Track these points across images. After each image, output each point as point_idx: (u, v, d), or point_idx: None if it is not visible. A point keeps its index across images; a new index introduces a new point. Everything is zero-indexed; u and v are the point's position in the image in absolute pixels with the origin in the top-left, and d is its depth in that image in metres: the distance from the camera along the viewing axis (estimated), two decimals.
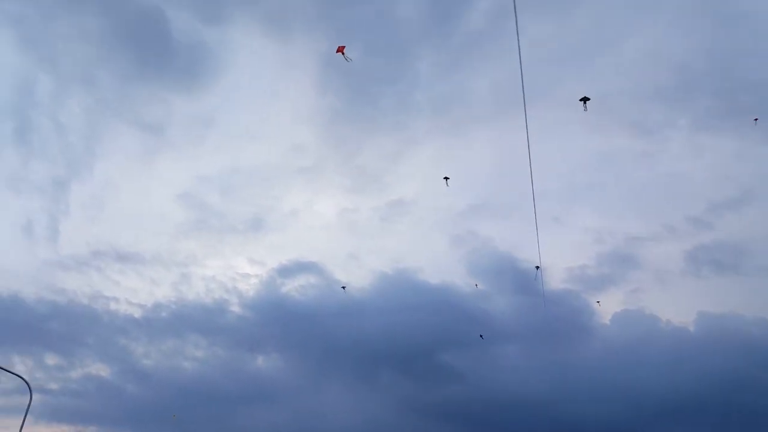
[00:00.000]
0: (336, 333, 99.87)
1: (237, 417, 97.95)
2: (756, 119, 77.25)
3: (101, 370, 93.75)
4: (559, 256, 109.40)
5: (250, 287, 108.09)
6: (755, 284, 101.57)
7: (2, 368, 26.21)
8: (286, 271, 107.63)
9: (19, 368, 79.26)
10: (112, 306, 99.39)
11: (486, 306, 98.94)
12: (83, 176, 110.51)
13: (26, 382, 26.04)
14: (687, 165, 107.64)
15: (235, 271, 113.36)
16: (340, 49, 41.72)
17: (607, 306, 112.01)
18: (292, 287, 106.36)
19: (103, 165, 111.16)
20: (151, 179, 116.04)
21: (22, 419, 25.01)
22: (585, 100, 46.73)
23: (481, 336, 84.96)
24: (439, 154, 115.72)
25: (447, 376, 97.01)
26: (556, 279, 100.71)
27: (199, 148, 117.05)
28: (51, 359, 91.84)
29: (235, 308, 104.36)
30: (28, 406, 25.69)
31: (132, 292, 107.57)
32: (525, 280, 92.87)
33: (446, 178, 56.00)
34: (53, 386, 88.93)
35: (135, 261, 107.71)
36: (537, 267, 62.42)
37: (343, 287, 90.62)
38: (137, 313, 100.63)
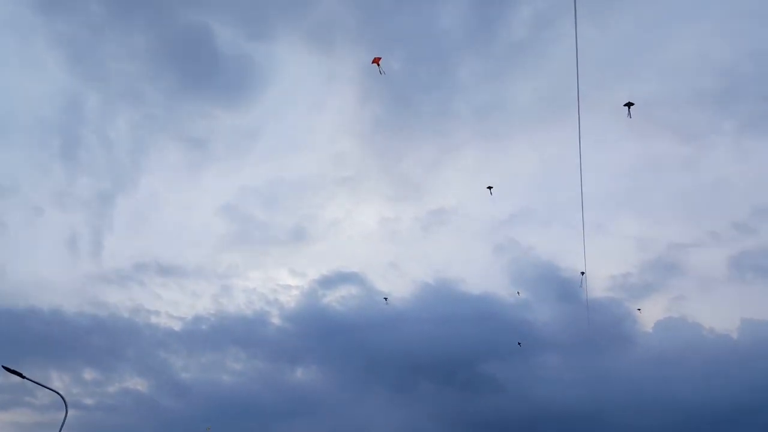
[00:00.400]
0: (377, 344, 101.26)
1: (275, 430, 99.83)
2: None
3: (138, 384, 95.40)
4: (602, 263, 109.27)
5: (291, 299, 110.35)
6: None
7: (38, 383, 25.96)
8: (327, 281, 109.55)
9: (55, 384, 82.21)
10: (153, 319, 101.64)
11: (528, 315, 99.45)
12: (128, 190, 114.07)
13: (62, 396, 25.84)
14: (731, 170, 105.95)
15: (276, 282, 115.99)
16: (376, 61, 42.56)
17: (650, 314, 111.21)
18: (333, 298, 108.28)
19: (147, 179, 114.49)
20: (194, 192, 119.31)
21: None
22: (629, 105, 46.80)
23: (519, 343, 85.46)
24: (479, 162, 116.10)
25: (488, 386, 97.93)
26: (598, 287, 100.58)
27: (242, 160, 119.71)
28: (89, 374, 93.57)
29: (276, 320, 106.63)
30: (63, 421, 25.56)
31: (173, 305, 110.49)
32: (567, 289, 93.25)
33: (490, 188, 54.98)
34: (89, 401, 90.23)
35: (177, 274, 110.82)
36: (582, 273, 62.27)
37: (386, 299, 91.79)
38: (177, 326, 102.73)
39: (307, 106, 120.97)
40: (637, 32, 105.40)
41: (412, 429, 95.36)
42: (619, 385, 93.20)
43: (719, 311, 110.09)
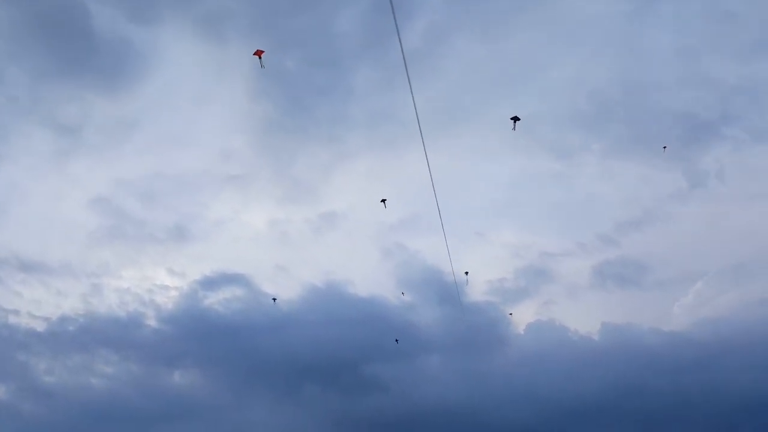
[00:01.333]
0: (261, 347, 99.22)
1: None
2: (665, 147, 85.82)
3: None
4: (481, 269, 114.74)
5: (168, 300, 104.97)
6: (652, 297, 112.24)
7: None
8: (210, 283, 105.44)
9: None
10: (12, 319, 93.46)
11: (412, 317, 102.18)
12: None
13: None
14: (598, 187, 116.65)
15: (152, 282, 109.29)
16: (258, 53, 42.39)
17: (522, 317, 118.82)
18: (216, 300, 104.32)
19: (8, 167, 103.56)
20: (62, 183, 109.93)
21: None
22: (515, 119, 49.28)
23: (396, 341, 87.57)
24: (372, 169, 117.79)
25: (372, 387, 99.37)
26: (477, 291, 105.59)
27: (118, 151, 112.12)
28: None
29: (152, 322, 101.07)
30: None
31: (35, 304, 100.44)
32: (450, 292, 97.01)
33: (383, 201, 56.71)
34: None
35: (40, 270, 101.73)
36: (466, 273, 65.32)
37: (274, 299, 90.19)
38: (40, 327, 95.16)
39: (194, 98, 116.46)
40: (522, 54, 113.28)
41: (297, 430, 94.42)
42: (495, 383, 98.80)
43: (583, 315, 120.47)
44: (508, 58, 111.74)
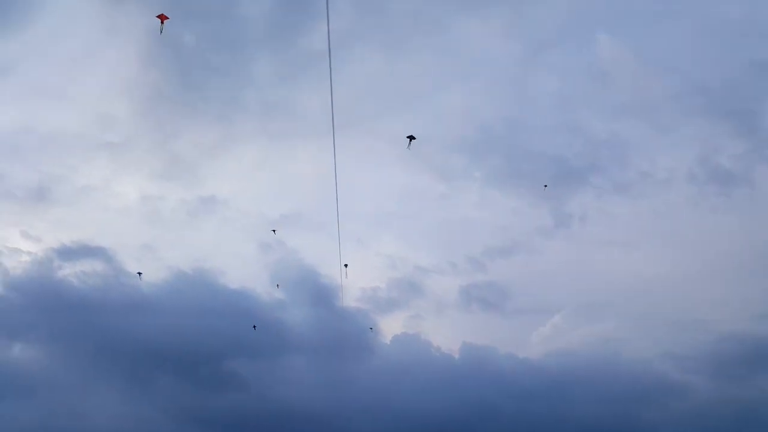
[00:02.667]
0: (117, 329, 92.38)
1: None
2: (546, 186, 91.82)
3: None
4: (357, 275, 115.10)
5: (19, 265, 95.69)
6: (512, 324, 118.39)
7: None
8: (68, 252, 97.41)
9: None
10: None
11: (283, 315, 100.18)
12: None
13: None
14: (474, 212, 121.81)
15: (3, 243, 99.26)
16: (162, 17, 40.83)
17: (389, 327, 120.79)
18: (72, 272, 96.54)
19: None
20: None
21: None
22: (411, 138, 49.22)
23: (254, 327, 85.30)
24: (261, 159, 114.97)
25: (232, 384, 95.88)
26: (350, 297, 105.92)
27: None
28: None
29: None
30: None
31: None
32: (323, 295, 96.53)
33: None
34: None
35: None
36: (345, 265, 64.54)
37: (139, 273, 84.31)
38: None
39: (78, 53, 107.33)
40: (419, 74, 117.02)
41: (145, 421, 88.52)
42: (356, 391, 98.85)
43: (447, 333, 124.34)
44: (404, 77, 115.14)
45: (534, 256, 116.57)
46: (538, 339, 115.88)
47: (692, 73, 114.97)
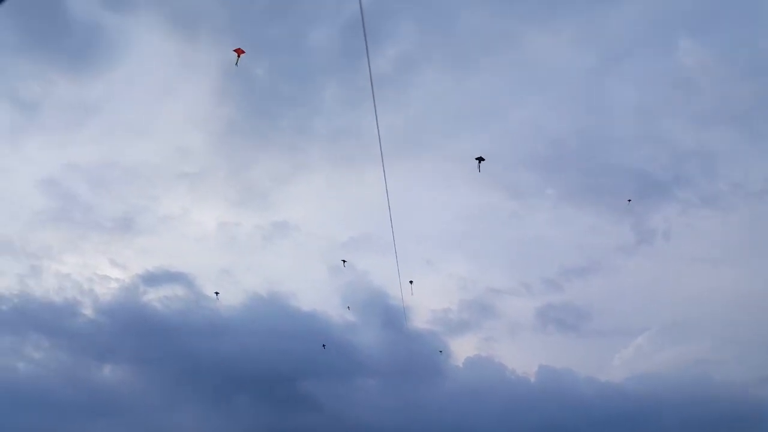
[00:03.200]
0: (197, 351, 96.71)
1: (74, 427, 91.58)
2: (629, 200, 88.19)
3: None
4: (427, 297, 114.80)
5: (108, 291, 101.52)
6: (591, 346, 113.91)
7: None
8: (152, 278, 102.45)
9: None
10: None
11: (353, 338, 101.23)
12: None
13: None
14: (549, 231, 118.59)
15: (93, 271, 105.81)
16: (238, 51, 42.33)
17: (462, 350, 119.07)
18: (156, 297, 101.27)
19: None
20: (12, 160, 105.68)
21: None
22: (480, 159, 48.54)
23: (323, 346, 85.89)
24: (329, 184, 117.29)
25: (306, 405, 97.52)
26: (420, 319, 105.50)
27: (74, 134, 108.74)
28: None
29: (88, 311, 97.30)
30: None
31: None
32: (393, 317, 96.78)
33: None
34: None
35: None
36: (411, 281, 63.69)
37: (216, 293, 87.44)
38: None
39: (157, 90, 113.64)
40: (487, 92, 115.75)
41: None
42: (429, 413, 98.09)
43: (522, 356, 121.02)
44: (473, 95, 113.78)
45: (614, 275, 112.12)
46: (620, 362, 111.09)
47: None
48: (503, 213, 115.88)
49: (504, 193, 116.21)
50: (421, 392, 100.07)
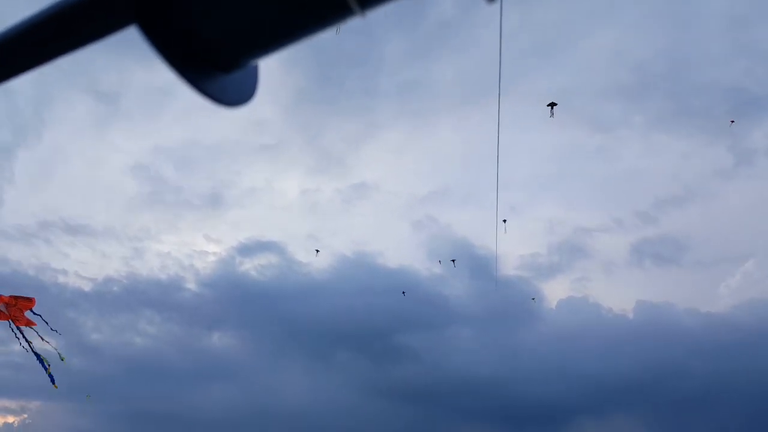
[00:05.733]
0: (294, 313, 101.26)
1: (191, 393, 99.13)
2: (732, 121, 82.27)
3: (46, 343, 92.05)
4: (514, 244, 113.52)
5: (207, 265, 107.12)
6: (691, 277, 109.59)
7: None
8: (245, 249, 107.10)
9: None
10: (61, 279, 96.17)
11: (443, 290, 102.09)
12: (31, 143, 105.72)
13: None
14: (639, 162, 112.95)
15: (191, 248, 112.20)
16: None
17: (554, 293, 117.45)
18: (251, 266, 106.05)
19: (52, 132, 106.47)
20: (102, 149, 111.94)
21: None
22: (552, 105, 46.75)
23: (403, 293, 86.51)
24: (402, 140, 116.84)
25: (403, 357, 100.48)
26: (509, 266, 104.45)
27: (156, 119, 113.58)
28: None
29: (191, 285, 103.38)
30: None
31: (82, 265, 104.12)
32: (481, 266, 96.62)
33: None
34: None
35: (85, 233, 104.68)
36: (504, 220, 61.78)
37: (317, 250, 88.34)
38: (87, 287, 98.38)
39: None
40: (559, 23, 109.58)
41: (329, 396, 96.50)
42: (525, 358, 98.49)
43: (618, 293, 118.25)
44: (545, 27, 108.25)
45: (713, 201, 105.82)
46: (726, 291, 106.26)
47: None
48: (589, 149, 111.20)
49: (587, 127, 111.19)
50: (516, 337, 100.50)
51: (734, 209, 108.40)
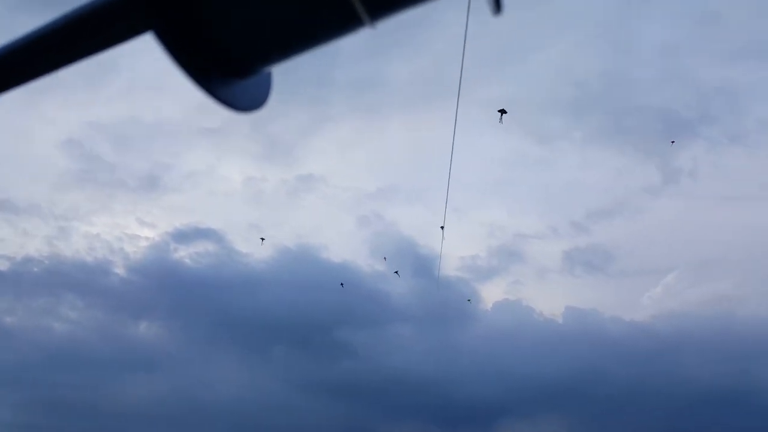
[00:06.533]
0: (231, 305, 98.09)
1: (114, 384, 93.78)
2: (673, 142, 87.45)
3: None
4: (455, 245, 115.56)
5: (138, 250, 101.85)
6: (617, 286, 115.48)
7: None
8: (181, 236, 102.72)
9: None
10: None
11: (384, 287, 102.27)
12: None
13: None
14: (575, 174, 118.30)
15: (122, 231, 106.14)
16: None
17: (490, 295, 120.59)
18: (186, 254, 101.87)
19: None
20: (34, 121, 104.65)
21: None
22: (502, 112, 48.22)
23: (341, 284, 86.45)
24: (353, 135, 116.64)
25: (342, 353, 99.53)
26: (450, 267, 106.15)
27: (94, 93, 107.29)
28: None
29: (120, 270, 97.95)
30: None
31: None
32: (423, 265, 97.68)
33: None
34: None
35: (5, 209, 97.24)
36: (442, 227, 63.15)
37: (262, 239, 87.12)
38: (3, 266, 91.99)
39: None
40: (511, 34, 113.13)
41: (264, 390, 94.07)
42: (462, 357, 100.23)
43: (549, 298, 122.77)
44: (499, 37, 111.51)
45: (641, 216, 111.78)
46: (648, 301, 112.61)
47: None
48: (531, 158, 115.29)
49: (530, 138, 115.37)
50: (452, 336, 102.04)
51: (660, 225, 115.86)
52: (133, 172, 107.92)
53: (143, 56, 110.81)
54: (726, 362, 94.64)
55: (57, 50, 1.39)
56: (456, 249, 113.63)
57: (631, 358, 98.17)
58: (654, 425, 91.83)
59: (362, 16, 1.23)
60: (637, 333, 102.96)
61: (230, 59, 1.32)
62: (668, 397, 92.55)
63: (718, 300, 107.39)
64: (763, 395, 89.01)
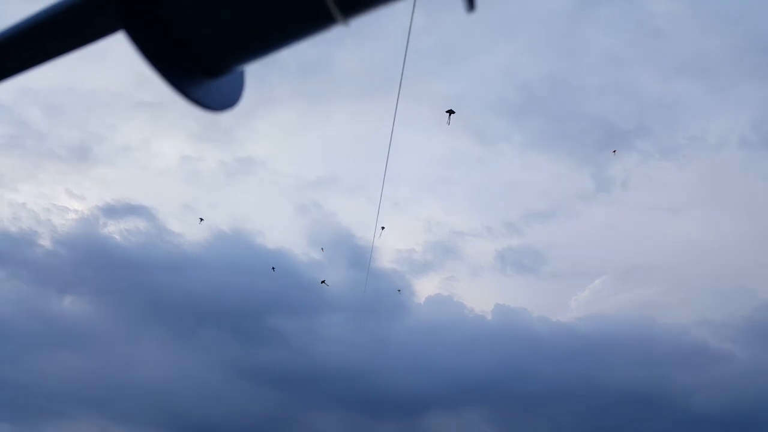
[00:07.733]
0: (160, 285, 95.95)
1: (34, 359, 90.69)
2: (614, 151, 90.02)
3: None
4: (392, 238, 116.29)
5: (65, 222, 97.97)
6: (546, 287, 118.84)
7: None
8: (112, 211, 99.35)
9: None
10: None
11: (319, 276, 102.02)
12: None
13: None
14: (513, 176, 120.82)
15: (50, 201, 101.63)
16: None
17: (424, 289, 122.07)
18: (116, 229, 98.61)
19: None
20: None
21: None
22: (450, 112, 48.84)
23: (273, 268, 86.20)
24: (296, 120, 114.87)
25: (272, 340, 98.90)
26: (385, 259, 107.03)
27: None
28: None
29: (46, 242, 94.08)
30: None
31: None
32: (359, 257, 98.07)
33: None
34: None
35: None
36: (383, 228, 64.44)
37: (201, 219, 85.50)
38: None
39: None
40: (460, 33, 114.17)
41: (189, 372, 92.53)
42: (392, 349, 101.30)
43: (480, 295, 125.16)
44: (448, 34, 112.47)
45: (573, 221, 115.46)
46: (575, 303, 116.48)
47: (756, 29, 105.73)
48: (472, 157, 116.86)
49: (473, 138, 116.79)
50: (384, 328, 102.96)
51: (591, 230, 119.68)
52: (65, 142, 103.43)
53: None
54: (644, 366, 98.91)
55: (27, 50, 1.37)
56: (393, 242, 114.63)
57: (555, 357, 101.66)
58: (573, 422, 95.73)
59: (334, 14, 1.21)
60: (562, 333, 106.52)
61: (202, 58, 1.31)
62: (587, 396, 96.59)
63: (642, 306, 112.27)
64: (678, 400, 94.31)
